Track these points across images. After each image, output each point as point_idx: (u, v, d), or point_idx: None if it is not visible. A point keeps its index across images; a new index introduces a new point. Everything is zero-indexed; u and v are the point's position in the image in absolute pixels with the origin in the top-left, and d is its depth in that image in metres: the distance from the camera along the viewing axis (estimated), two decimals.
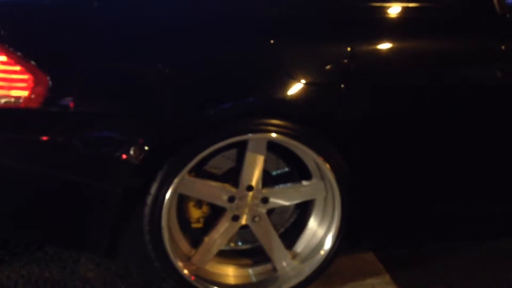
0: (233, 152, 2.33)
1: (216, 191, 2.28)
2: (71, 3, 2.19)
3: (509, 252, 2.75)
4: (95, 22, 2.15)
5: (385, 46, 2.31)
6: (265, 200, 2.33)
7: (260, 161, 2.27)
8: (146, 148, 2.08)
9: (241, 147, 2.28)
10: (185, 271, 2.26)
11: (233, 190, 2.29)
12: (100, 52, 2.10)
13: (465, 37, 2.42)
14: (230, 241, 2.44)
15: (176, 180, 2.15)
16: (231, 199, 2.29)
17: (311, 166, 2.33)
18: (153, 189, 2.14)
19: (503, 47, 2.41)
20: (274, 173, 2.41)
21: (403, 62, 2.32)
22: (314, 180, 2.35)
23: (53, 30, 2.12)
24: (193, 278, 2.27)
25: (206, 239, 2.32)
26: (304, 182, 2.36)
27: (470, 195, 2.58)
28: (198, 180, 2.26)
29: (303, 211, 2.48)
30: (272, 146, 2.30)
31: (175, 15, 2.21)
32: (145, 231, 2.18)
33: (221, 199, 2.29)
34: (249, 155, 2.26)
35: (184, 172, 2.16)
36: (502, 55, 2.42)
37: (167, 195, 2.15)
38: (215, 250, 2.33)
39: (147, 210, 2.16)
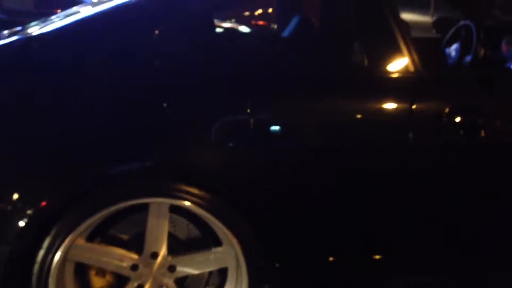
0: (140, 216, 2.21)
1: (116, 259, 2.17)
2: None
3: None
4: None
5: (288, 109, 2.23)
6: (172, 268, 2.21)
7: (164, 226, 2.17)
8: (36, 205, 2.02)
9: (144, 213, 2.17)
10: None
11: (136, 257, 2.18)
12: None
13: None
14: None
15: (63, 246, 2.05)
16: (134, 267, 2.17)
17: (221, 233, 2.22)
18: (39, 256, 2.05)
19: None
20: (184, 238, 2.28)
21: (308, 127, 2.24)
22: (224, 247, 2.23)
23: None
24: None
25: None
26: (214, 249, 2.24)
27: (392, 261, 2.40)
28: (95, 246, 2.15)
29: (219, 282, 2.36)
30: (181, 210, 2.19)
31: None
32: None
33: (123, 267, 2.17)
34: (151, 220, 2.16)
35: (74, 237, 2.06)
36: None
37: (54, 263, 2.05)
38: None
39: (34, 279, 2.06)
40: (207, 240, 2.29)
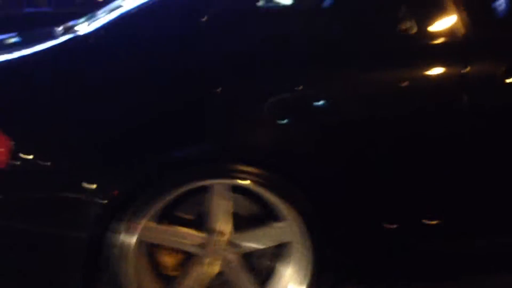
0: (202, 197, 2.31)
1: (185, 238, 2.29)
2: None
3: None
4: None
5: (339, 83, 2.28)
6: (236, 245, 2.32)
7: (226, 205, 2.27)
8: (108, 195, 2.14)
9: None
10: None
11: (203, 235, 2.29)
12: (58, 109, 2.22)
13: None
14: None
15: (138, 229, 2.17)
16: (202, 245, 2.29)
17: (279, 208, 2.30)
18: (116, 240, 2.17)
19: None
20: (246, 215, 2.38)
21: (359, 99, 2.28)
22: (285, 222, 2.31)
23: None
24: None
25: (180, 286, 2.32)
26: (275, 224, 2.33)
27: (449, 226, 2.45)
28: (165, 227, 2.27)
29: (282, 256, 2.44)
30: (242, 188, 2.28)
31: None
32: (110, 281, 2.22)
33: (191, 246, 2.29)
34: (214, 200, 2.26)
35: (146, 220, 2.18)
36: None
37: (130, 246, 2.18)
38: None
39: (111, 262, 2.19)
40: (269, 216, 2.37)
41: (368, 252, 2.42)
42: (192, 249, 2.31)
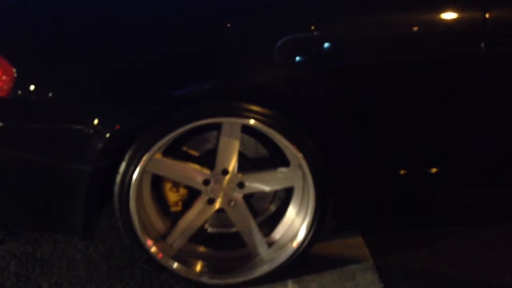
0: (213, 134, 2.34)
1: (190, 173, 2.31)
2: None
3: (500, 240, 2.64)
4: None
5: (353, 24, 2.23)
6: (241, 185, 2.33)
7: (235, 145, 2.28)
8: (113, 128, 2.14)
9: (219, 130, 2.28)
10: (153, 249, 2.31)
11: (208, 172, 2.31)
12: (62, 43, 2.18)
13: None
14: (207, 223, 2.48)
15: (144, 159, 2.19)
16: (206, 182, 2.31)
17: (288, 152, 2.31)
18: (121, 168, 2.20)
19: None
20: (252, 157, 2.41)
21: (372, 42, 2.23)
22: (291, 167, 2.33)
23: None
24: (160, 256, 2.32)
25: (181, 220, 2.36)
26: (281, 169, 2.35)
27: (452, 177, 2.45)
28: (171, 161, 2.29)
29: (284, 199, 2.49)
30: (251, 130, 2.29)
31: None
32: (116, 209, 2.25)
33: (196, 182, 2.31)
34: (223, 139, 2.27)
35: (153, 151, 2.19)
36: None
37: (135, 174, 2.20)
38: (189, 232, 2.37)
39: (116, 189, 2.22)
40: (275, 160, 2.40)
41: (370, 198, 2.43)
42: (195, 185, 2.33)
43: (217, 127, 2.27)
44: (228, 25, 2.19)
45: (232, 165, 2.30)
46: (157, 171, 2.28)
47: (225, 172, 2.31)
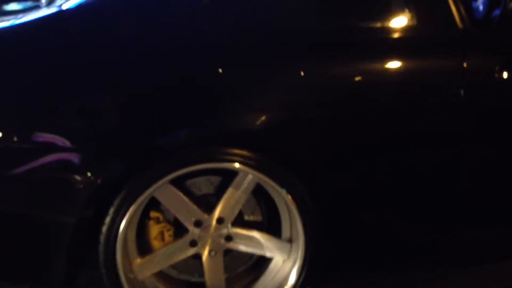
0: (217, 179, 2.32)
1: (188, 210, 2.26)
2: None
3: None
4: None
5: (342, 70, 2.27)
6: (228, 238, 2.30)
7: (242, 198, 2.26)
8: (99, 177, 2.09)
9: (227, 179, 2.27)
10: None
11: (204, 216, 2.27)
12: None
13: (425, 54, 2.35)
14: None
15: (131, 210, 2.14)
16: (198, 223, 2.26)
17: (284, 216, 2.31)
18: (107, 219, 2.14)
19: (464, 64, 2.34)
20: (246, 217, 2.39)
21: (360, 85, 2.27)
22: (282, 241, 2.33)
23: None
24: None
25: (156, 251, 2.29)
26: (272, 238, 2.34)
27: (444, 218, 2.48)
28: (177, 191, 2.24)
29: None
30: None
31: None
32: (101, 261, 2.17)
33: (189, 220, 2.26)
34: (233, 189, 2.25)
35: (136, 205, 2.15)
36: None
37: (122, 225, 2.14)
38: (158, 265, 2.30)
39: (102, 239, 2.16)
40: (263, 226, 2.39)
41: (362, 242, 2.43)
42: (186, 222, 2.28)
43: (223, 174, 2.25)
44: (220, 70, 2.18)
45: (232, 217, 2.27)
46: (158, 196, 2.23)
47: (220, 221, 2.27)
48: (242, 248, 2.33)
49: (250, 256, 2.43)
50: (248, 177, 2.22)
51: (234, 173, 2.23)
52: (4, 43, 2.21)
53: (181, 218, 2.27)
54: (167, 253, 2.28)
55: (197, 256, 2.31)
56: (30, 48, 2.18)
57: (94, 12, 2.26)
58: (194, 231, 2.26)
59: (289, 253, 2.31)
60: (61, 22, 2.25)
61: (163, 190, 2.20)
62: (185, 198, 2.25)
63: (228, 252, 2.38)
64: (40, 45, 2.19)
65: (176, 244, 2.29)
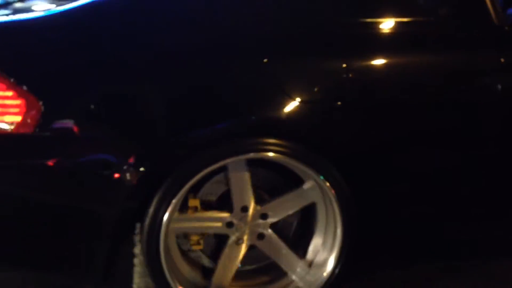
0: (219, 179, 2.30)
1: (211, 221, 2.26)
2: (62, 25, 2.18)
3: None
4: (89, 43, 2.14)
5: (380, 62, 2.28)
6: (264, 216, 2.27)
7: (246, 180, 2.23)
8: (141, 169, 2.06)
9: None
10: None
11: (227, 215, 2.25)
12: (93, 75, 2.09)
13: (462, 50, 2.36)
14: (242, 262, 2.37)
15: (174, 201, 2.12)
16: (229, 224, 2.25)
17: (304, 173, 2.27)
18: (151, 210, 2.11)
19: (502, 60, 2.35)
20: (269, 188, 2.35)
21: (399, 79, 2.27)
22: (306, 184, 2.28)
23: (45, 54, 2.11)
24: None
25: (217, 266, 2.28)
26: (294, 191, 2.30)
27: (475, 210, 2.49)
28: (188, 215, 2.23)
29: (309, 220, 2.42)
30: (259, 162, 2.24)
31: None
32: (142, 250, 2.16)
33: (220, 228, 2.25)
34: (232, 177, 2.23)
35: (179, 197, 2.13)
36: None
37: (165, 216, 2.12)
38: (229, 275, 2.29)
39: (145, 229, 2.14)
40: (288, 183, 2.34)
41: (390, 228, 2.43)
42: (221, 231, 2.26)
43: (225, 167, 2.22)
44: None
45: (249, 200, 2.25)
46: (180, 229, 2.25)
47: (244, 209, 2.25)
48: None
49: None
50: (238, 161, 2.19)
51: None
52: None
53: (213, 231, 2.29)
54: (227, 263, 2.28)
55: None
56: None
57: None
58: (231, 232, 2.26)
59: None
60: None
61: (181, 222, 2.22)
62: (202, 213, 2.25)
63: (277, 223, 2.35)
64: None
65: (227, 251, 2.27)
